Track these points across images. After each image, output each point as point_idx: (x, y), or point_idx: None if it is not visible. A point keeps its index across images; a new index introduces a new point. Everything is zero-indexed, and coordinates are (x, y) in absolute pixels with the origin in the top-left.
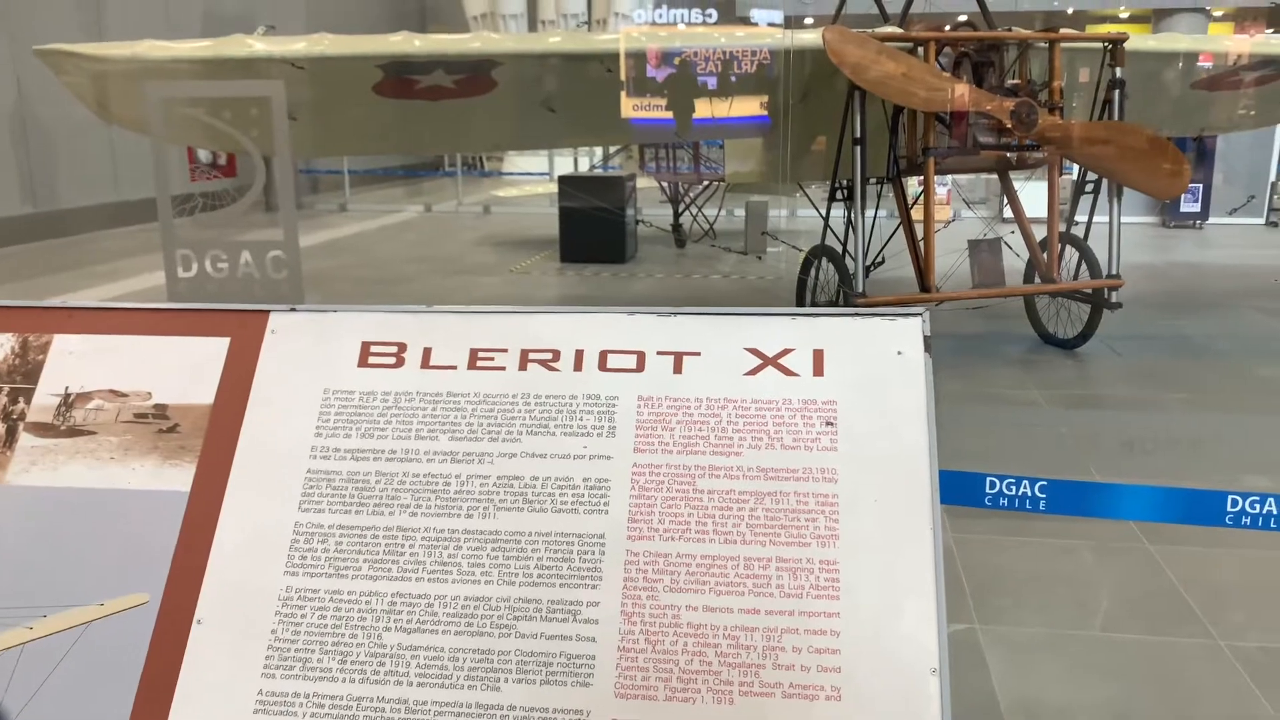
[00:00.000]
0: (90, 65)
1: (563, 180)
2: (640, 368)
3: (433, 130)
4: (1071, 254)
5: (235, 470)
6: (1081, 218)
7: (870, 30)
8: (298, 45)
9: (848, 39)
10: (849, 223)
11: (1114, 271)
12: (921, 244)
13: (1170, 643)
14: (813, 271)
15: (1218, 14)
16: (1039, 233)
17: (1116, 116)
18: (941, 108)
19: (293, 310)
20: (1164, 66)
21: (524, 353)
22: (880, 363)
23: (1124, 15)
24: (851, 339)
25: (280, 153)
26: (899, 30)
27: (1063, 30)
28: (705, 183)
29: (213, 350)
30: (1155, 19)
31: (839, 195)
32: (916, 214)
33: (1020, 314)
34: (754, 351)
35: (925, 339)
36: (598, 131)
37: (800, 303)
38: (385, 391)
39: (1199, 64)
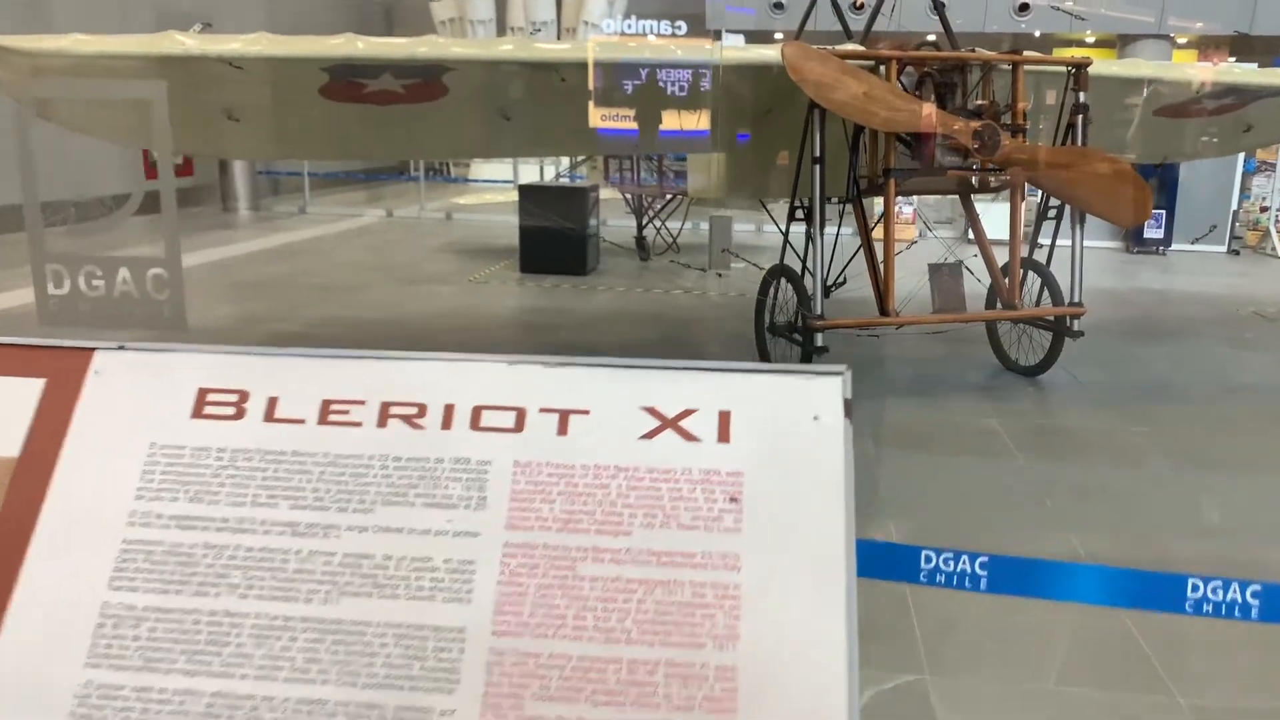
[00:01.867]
0: (13, 59)
1: (523, 190)
2: (519, 427)
3: (384, 136)
4: (1034, 280)
5: (37, 538)
6: (1044, 242)
7: (831, 47)
8: (233, 44)
9: (808, 56)
10: (808, 243)
11: (1076, 299)
12: (882, 266)
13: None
14: (771, 292)
15: (1181, 41)
16: (1001, 256)
17: (1080, 141)
18: (903, 128)
19: (121, 349)
20: (1128, 92)
21: (384, 406)
22: (794, 429)
23: (1090, 40)
24: (763, 400)
25: (162, 160)
26: (861, 48)
27: (1026, 53)
28: (669, 196)
29: (23, 393)
30: (1120, 44)
31: (798, 214)
32: (878, 234)
33: (982, 338)
34: (652, 411)
35: (846, 402)
36: (554, 142)
37: (759, 324)
38: (221, 448)
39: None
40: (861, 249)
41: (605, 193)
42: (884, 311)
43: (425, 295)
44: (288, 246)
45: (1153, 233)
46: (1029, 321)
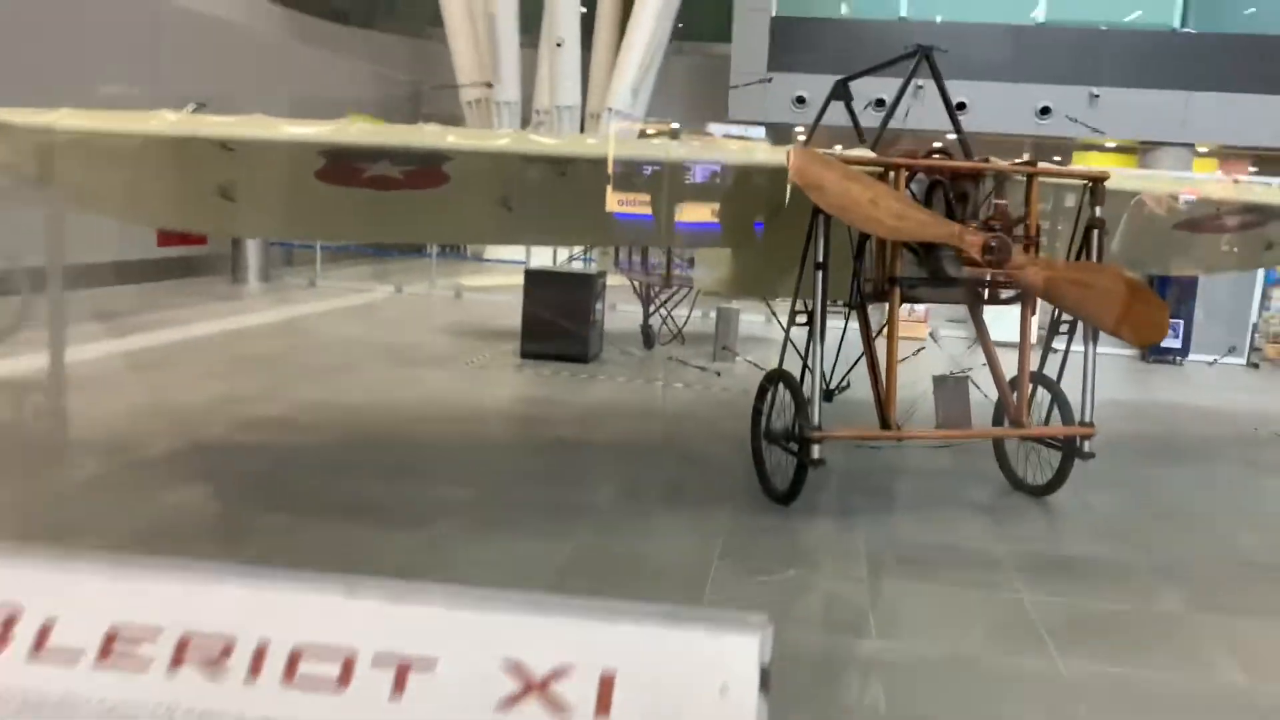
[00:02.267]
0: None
1: (528, 275)
2: (344, 681)
3: (383, 220)
4: (1043, 395)
5: None
6: (1059, 346)
7: (839, 151)
8: (222, 125)
9: (814, 161)
10: (809, 349)
11: (1087, 419)
12: (884, 376)
13: None
14: (768, 398)
15: (1202, 150)
16: (1010, 368)
17: (1095, 256)
18: (909, 238)
19: None
20: (1144, 206)
21: (184, 640)
22: (693, 704)
23: (1110, 145)
24: (658, 660)
25: (51, 256)
26: (870, 153)
27: (1041, 164)
28: (675, 287)
29: None
30: (1141, 151)
31: (799, 319)
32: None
33: (989, 452)
34: (516, 669)
35: (763, 672)
36: (556, 232)
37: (755, 434)
38: None
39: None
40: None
41: (614, 279)
42: (885, 424)
43: (418, 379)
44: (291, 321)
45: (1169, 342)
46: (1037, 440)
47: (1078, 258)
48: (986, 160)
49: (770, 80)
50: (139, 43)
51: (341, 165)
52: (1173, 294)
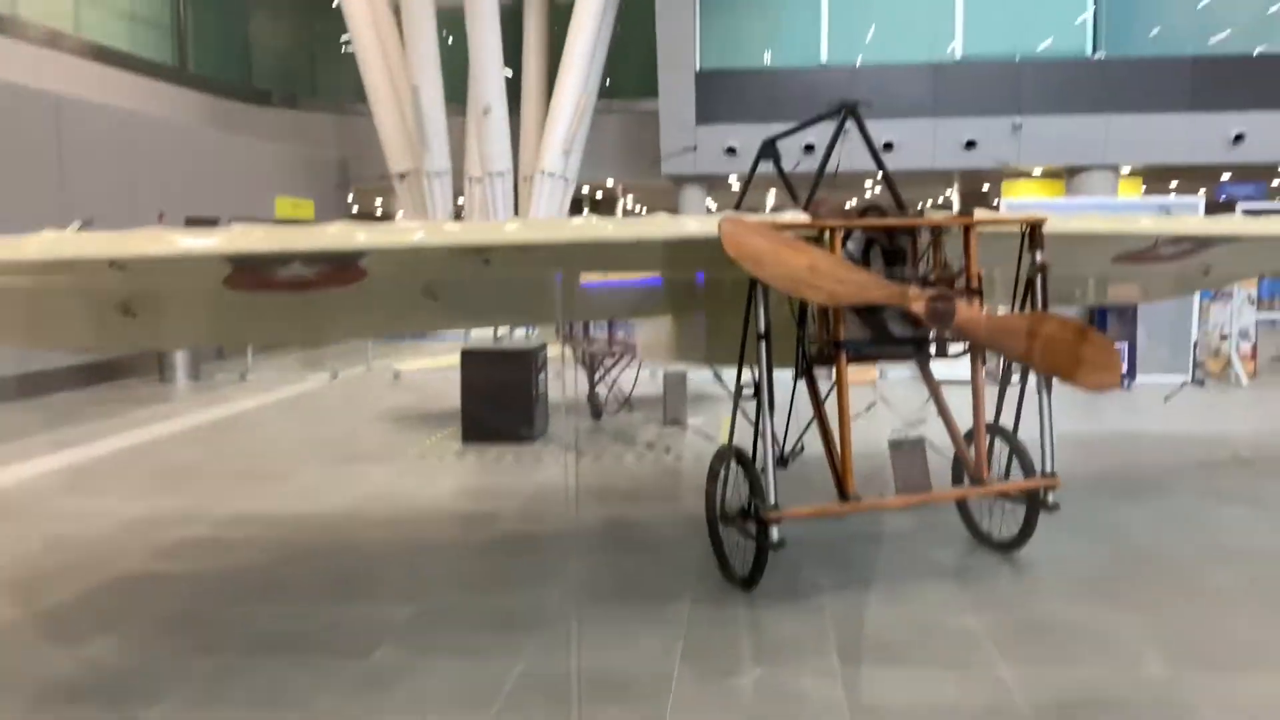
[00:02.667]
0: None
1: (464, 354)
2: None
3: (303, 320)
4: (1001, 446)
5: None
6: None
7: (771, 218)
8: (108, 242)
9: (746, 231)
10: (758, 425)
11: (1049, 469)
12: (839, 445)
13: None
14: (721, 475)
15: (1125, 170)
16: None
17: (1041, 302)
18: (850, 302)
19: None
20: (1086, 244)
21: None
22: None
23: (1037, 172)
24: None
25: None
26: (804, 217)
27: (977, 214)
28: (619, 355)
29: None
30: (1068, 175)
31: (746, 392)
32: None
33: (951, 506)
34: None
35: None
36: (487, 315)
37: (710, 516)
38: None
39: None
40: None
41: (556, 349)
42: (843, 495)
43: (356, 478)
44: (220, 422)
45: None
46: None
47: (1022, 304)
48: (921, 213)
49: (695, 149)
50: (36, 148)
51: (251, 271)
52: (1114, 319)
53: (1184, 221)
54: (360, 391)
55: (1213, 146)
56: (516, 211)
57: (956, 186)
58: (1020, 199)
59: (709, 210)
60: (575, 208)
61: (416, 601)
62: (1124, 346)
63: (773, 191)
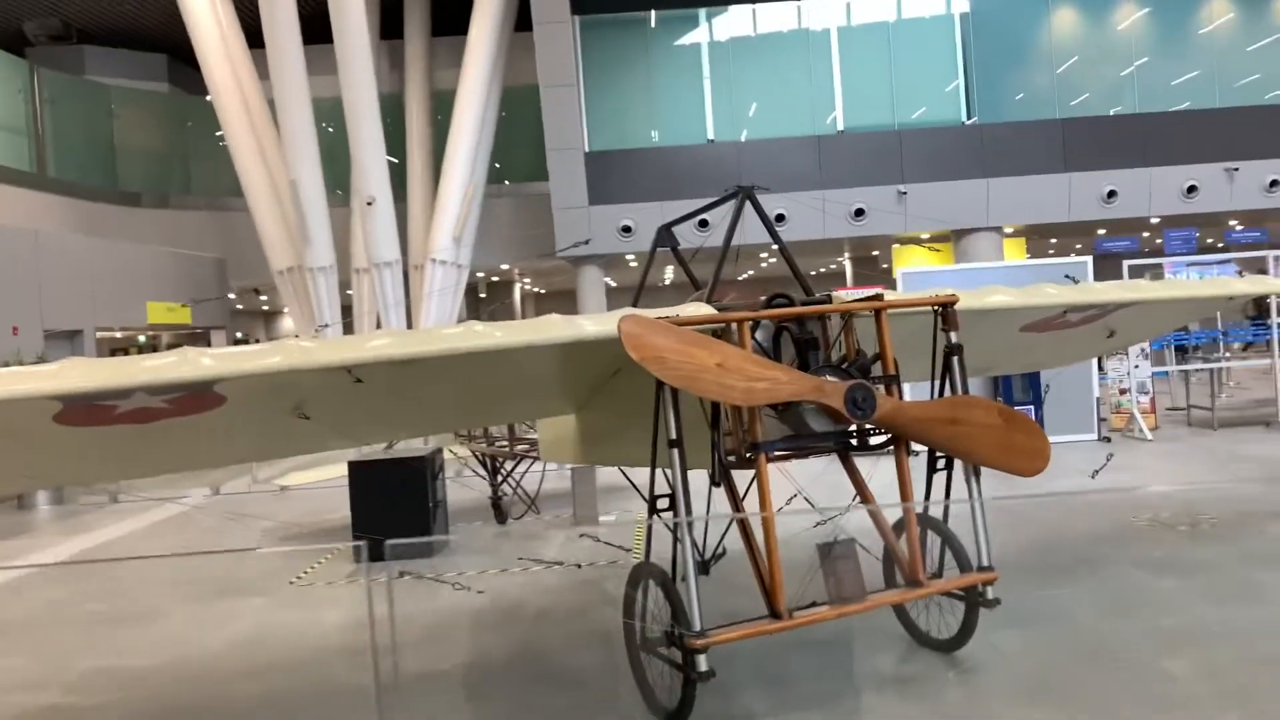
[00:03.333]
0: None
1: (352, 466)
2: None
3: (159, 453)
4: (933, 538)
5: None
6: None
7: (673, 312)
8: None
9: (648, 330)
10: (676, 541)
11: (985, 563)
12: (765, 557)
13: None
14: (639, 598)
15: (1008, 230)
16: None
17: (959, 384)
18: (765, 401)
19: None
20: (995, 319)
21: None
22: None
23: (925, 236)
24: None
25: None
26: (706, 310)
27: (887, 296)
28: (519, 456)
29: None
30: (955, 238)
31: (659, 504)
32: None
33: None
34: None
35: None
36: (368, 432)
37: (630, 645)
38: None
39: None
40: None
41: (456, 448)
42: (774, 613)
43: (229, 617)
44: (80, 556)
45: None
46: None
47: (940, 386)
48: (829, 298)
49: (589, 242)
50: None
51: (85, 407)
52: (1017, 381)
53: (1092, 289)
54: (243, 508)
55: (1089, 204)
56: (408, 302)
57: (847, 255)
58: (913, 267)
59: (608, 285)
60: (470, 293)
61: None
62: (1030, 409)
63: (669, 269)
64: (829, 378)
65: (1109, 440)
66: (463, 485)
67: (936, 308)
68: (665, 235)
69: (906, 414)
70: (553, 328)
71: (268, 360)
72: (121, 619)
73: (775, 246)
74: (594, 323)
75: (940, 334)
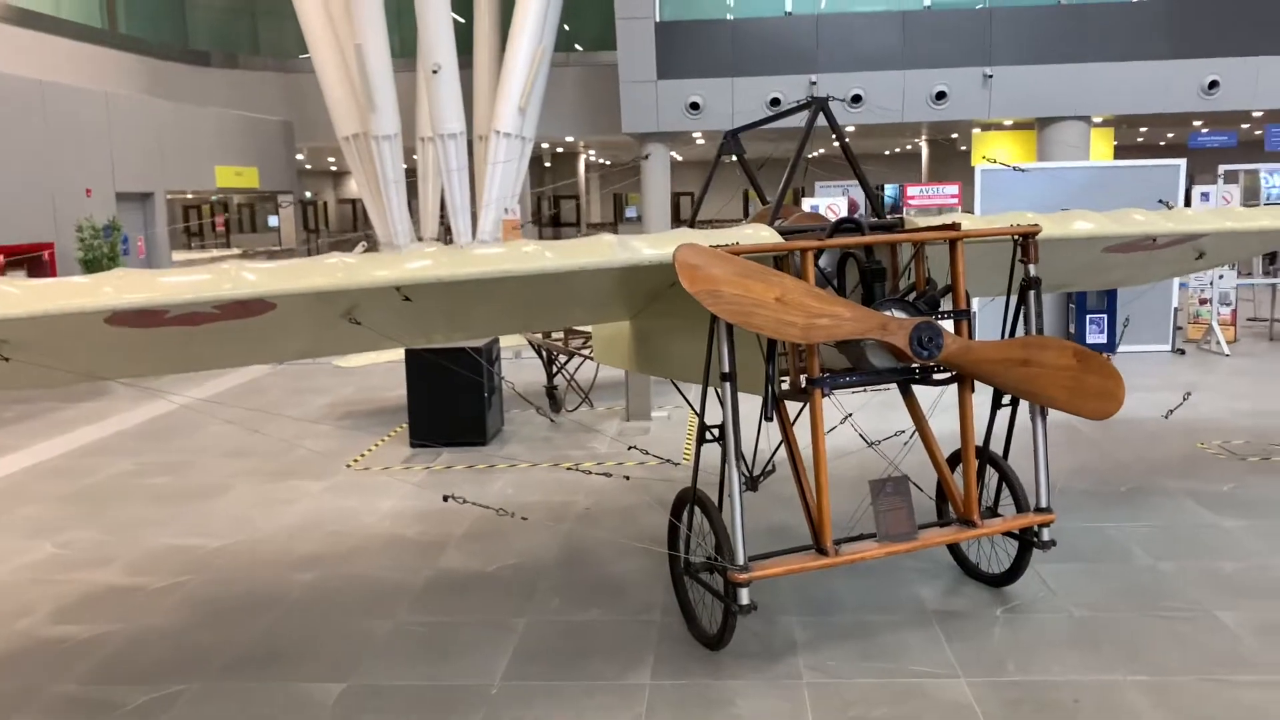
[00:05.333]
0: None
1: (410, 354)
2: None
3: (207, 351)
4: (991, 475)
5: None
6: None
7: (734, 243)
8: None
9: (705, 259)
10: (724, 473)
11: (1044, 504)
12: (814, 492)
13: None
14: (684, 523)
15: (1097, 120)
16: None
17: (1033, 321)
18: (825, 339)
19: None
20: (1080, 245)
21: None
22: None
23: (1008, 123)
24: None
25: None
26: (772, 236)
27: (964, 226)
28: (574, 353)
29: None
30: (1039, 126)
31: (710, 435)
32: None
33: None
34: None
35: None
36: (419, 336)
37: (674, 572)
38: None
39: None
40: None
41: (514, 339)
42: (820, 549)
43: (286, 499)
44: (151, 424)
45: (1095, 338)
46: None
47: (1013, 323)
48: (901, 224)
49: (648, 157)
50: None
51: (131, 312)
52: (1092, 291)
53: (1184, 217)
54: (305, 381)
55: (1187, 94)
56: (472, 173)
57: (924, 137)
58: (992, 166)
59: (673, 160)
60: (535, 164)
61: (345, 675)
62: (1102, 319)
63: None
64: (894, 312)
65: (1182, 353)
66: (519, 371)
67: (1017, 238)
68: (732, 142)
69: (975, 354)
70: (606, 250)
71: (310, 280)
72: (187, 495)
73: (856, 214)
74: (650, 245)
75: (1018, 265)
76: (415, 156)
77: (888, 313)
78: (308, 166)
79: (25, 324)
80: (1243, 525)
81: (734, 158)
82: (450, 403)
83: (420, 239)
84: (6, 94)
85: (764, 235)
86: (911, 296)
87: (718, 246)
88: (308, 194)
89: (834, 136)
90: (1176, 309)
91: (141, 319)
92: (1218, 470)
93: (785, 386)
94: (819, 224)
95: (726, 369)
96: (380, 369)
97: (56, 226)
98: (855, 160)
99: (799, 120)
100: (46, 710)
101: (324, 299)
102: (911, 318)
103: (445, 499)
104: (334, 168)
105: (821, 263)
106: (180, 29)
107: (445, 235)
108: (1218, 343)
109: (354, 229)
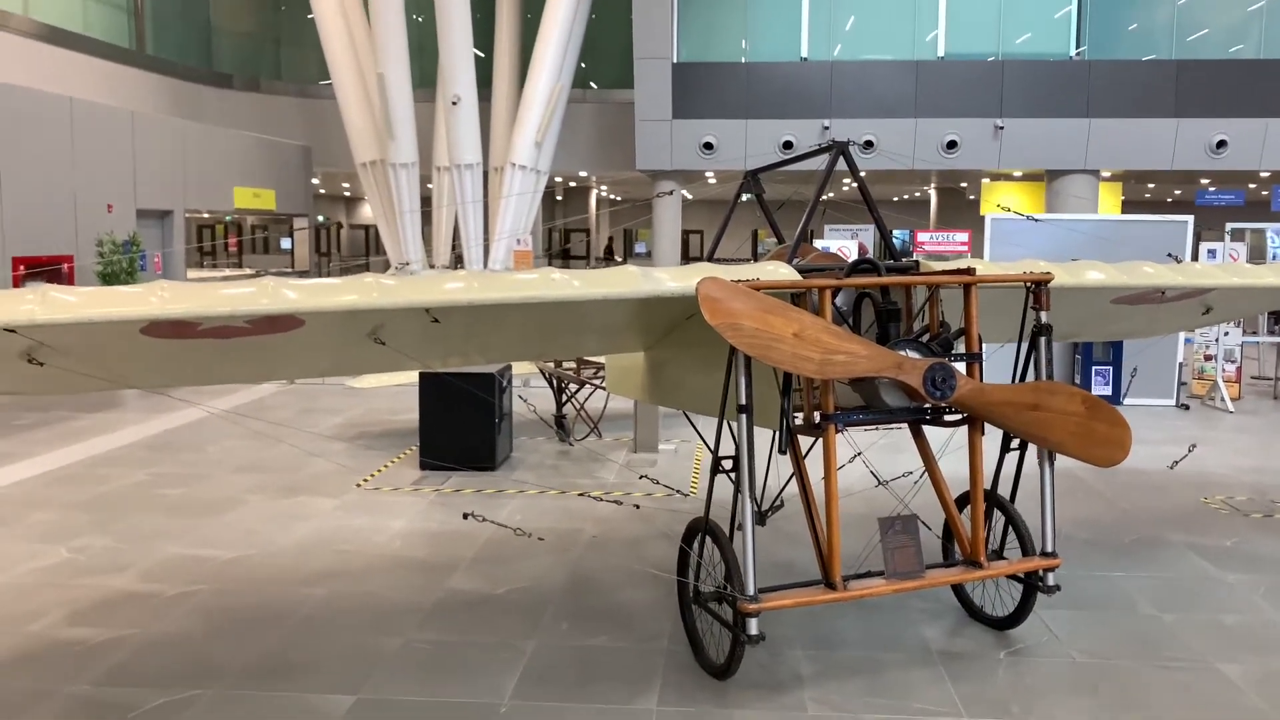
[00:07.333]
0: None
1: (423, 377)
2: None
3: (235, 365)
4: (998, 518)
5: None
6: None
7: (755, 279)
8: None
9: (726, 293)
10: (736, 502)
11: (1049, 548)
12: (825, 526)
13: None
14: (694, 554)
15: (1106, 175)
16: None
17: (1044, 367)
18: (840, 376)
19: None
20: (1090, 294)
21: None
22: None
23: (1018, 174)
24: None
25: None
26: (790, 274)
27: (978, 271)
28: (585, 382)
29: None
30: (1049, 178)
31: (724, 465)
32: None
33: None
34: None
35: None
36: (439, 359)
37: (682, 600)
38: None
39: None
40: (800, 496)
41: (523, 366)
42: (829, 582)
43: (299, 514)
44: (164, 436)
45: (1100, 390)
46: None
47: (1024, 369)
48: (916, 266)
49: (671, 192)
50: None
51: (166, 323)
52: (1098, 342)
53: (1193, 271)
54: (315, 401)
55: (1194, 153)
56: (486, 204)
57: (934, 185)
58: (1002, 215)
59: (685, 198)
60: (547, 197)
61: (355, 688)
62: (1108, 370)
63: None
64: (909, 353)
65: (1187, 408)
66: (526, 403)
67: (1029, 285)
68: (752, 182)
69: (986, 397)
70: (631, 280)
71: (345, 298)
72: (199, 508)
73: (868, 254)
74: (673, 278)
75: (1029, 311)
76: (430, 185)
77: (902, 353)
78: (321, 191)
79: (72, 329)
80: (1245, 580)
81: (752, 196)
82: (461, 426)
83: (432, 266)
84: (35, 109)
85: (783, 272)
86: (926, 338)
87: (739, 281)
88: (321, 218)
89: (852, 179)
90: (1181, 364)
91: (176, 330)
92: (1221, 525)
93: (799, 421)
94: (835, 263)
95: (744, 401)
96: (390, 391)
97: (77, 240)
98: (872, 202)
99: (816, 163)
100: (61, 711)
101: (353, 317)
102: (925, 358)
103: (465, 516)
104: (347, 193)
105: (838, 302)
106: (205, 52)
107: (457, 264)
108: (1222, 399)
109: (365, 254)
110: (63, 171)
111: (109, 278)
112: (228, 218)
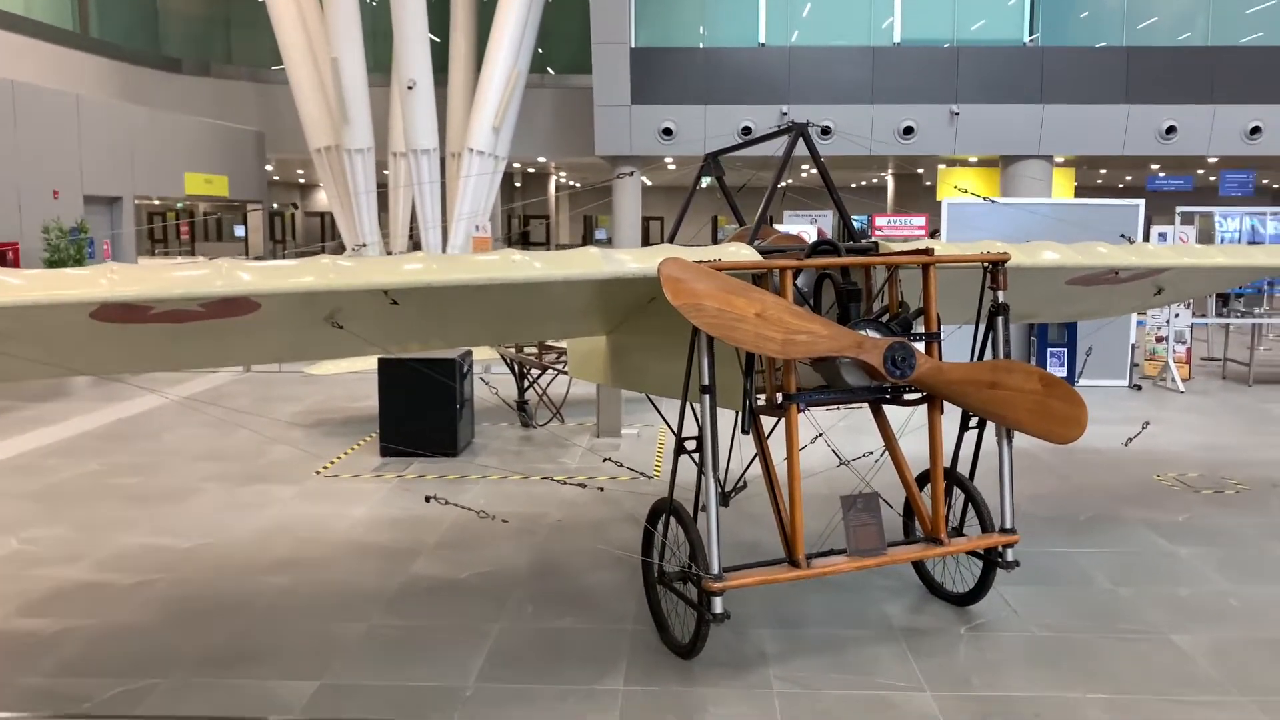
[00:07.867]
0: None
1: (382, 363)
2: None
3: (189, 349)
4: (957, 495)
5: None
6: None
7: (716, 259)
8: None
9: (689, 274)
10: (700, 482)
11: (1008, 524)
12: (788, 506)
13: None
14: (658, 534)
15: (1059, 160)
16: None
17: (1000, 346)
18: (802, 355)
19: None
20: (1045, 275)
21: None
22: None
23: (973, 160)
24: None
25: None
26: (751, 254)
27: (937, 250)
28: (546, 367)
29: None
30: (1003, 163)
31: (687, 445)
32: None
33: None
34: None
35: None
36: (401, 343)
37: (647, 580)
38: None
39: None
40: (762, 474)
41: (484, 351)
42: (792, 560)
43: (256, 503)
44: (117, 426)
45: (1055, 370)
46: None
47: (982, 347)
48: (876, 247)
49: (632, 173)
50: None
51: (117, 306)
52: (1053, 324)
53: (1146, 251)
54: (274, 388)
55: (1145, 139)
56: (444, 190)
57: (891, 171)
58: (958, 199)
59: (644, 184)
60: (506, 183)
61: (318, 674)
62: (1063, 352)
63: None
64: (869, 333)
65: (1139, 389)
66: (489, 386)
67: (986, 265)
68: (712, 164)
69: (945, 375)
70: (593, 262)
71: (301, 279)
72: (157, 496)
73: (826, 234)
74: (635, 259)
75: (987, 291)
76: (386, 171)
77: (863, 332)
78: (275, 177)
79: (17, 313)
80: (1197, 553)
81: (713, 180)
82: (422, 413)
83: (390, 253)
84: None
85: (745, 253)
86: (885, 318)
87: (700, 262)
88: (275, 205)
89: (812, 165)
90: (1134, 346)
91: (127, 314)
92: (1173, 501)
93: (761, 402)
94: (796, 244)
95: (706, 381)
96: (349, 378)
97: (22, 227)
98: (832, 184)
99: (775, 147)
100: (15, 702)
101: (310, 300)
102: (885, 338)
103: (428, 500)
104: (302, 179)
105: (799, 283)
106: (153, 35)
107: (414, 249)
108: (1173, 380)
109: (321, 241)
110: (5, 157)
111: (55, 265)
112: (179, 204)
